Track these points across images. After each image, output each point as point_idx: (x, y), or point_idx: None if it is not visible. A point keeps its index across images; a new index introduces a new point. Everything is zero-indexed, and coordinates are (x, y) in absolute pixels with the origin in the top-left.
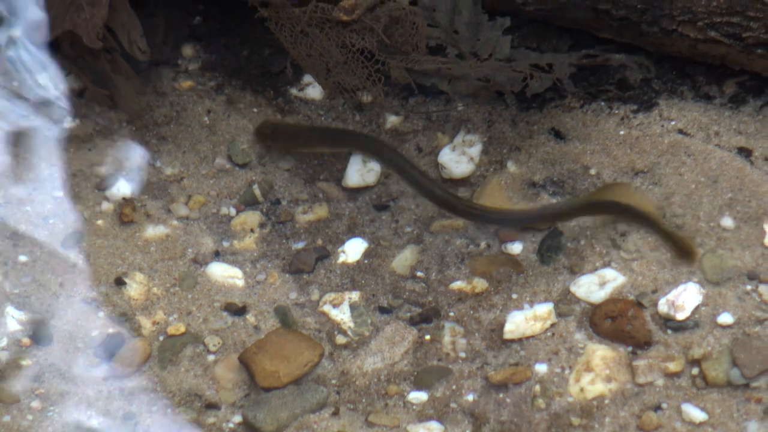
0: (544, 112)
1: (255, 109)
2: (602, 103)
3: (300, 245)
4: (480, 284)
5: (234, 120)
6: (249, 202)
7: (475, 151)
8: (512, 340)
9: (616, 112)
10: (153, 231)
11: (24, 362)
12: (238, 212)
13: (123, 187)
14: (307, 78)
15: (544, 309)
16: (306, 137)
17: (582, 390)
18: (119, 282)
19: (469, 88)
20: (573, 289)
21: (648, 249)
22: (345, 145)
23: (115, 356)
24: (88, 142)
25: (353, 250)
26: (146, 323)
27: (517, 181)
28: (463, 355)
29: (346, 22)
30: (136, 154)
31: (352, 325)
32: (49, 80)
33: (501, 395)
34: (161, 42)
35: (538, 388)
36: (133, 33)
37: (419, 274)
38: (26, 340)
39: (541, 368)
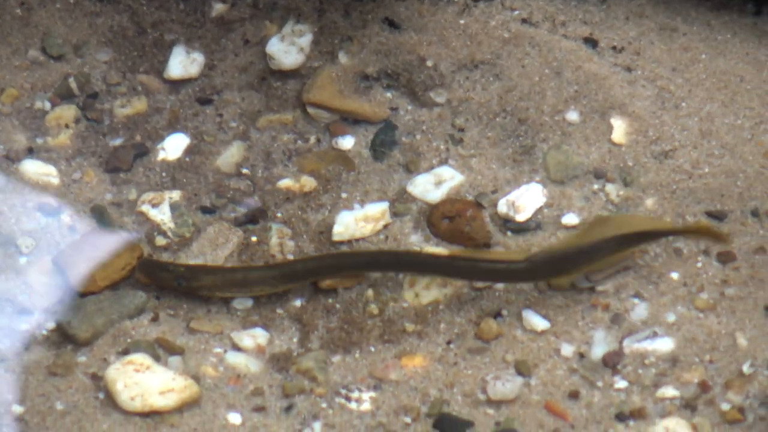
0: (378, 1)
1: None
2: None
3: (117, 141)
4: (308, 183)
5: (49, 11)
6: (64, 96)
7: (305, 41)
8: (341, 242)
9: (456, 0)
10: None
11: None
12: (53, 106)
13: None
14: None
15: (377, 209)
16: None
17: (417, 295)
18: None
19: None
20: (409, 188)
21: (488, 145)
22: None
23: None
24: None
25: (174, 146)
26: None
27: (349, 73)
28: (291, 257)
29: None
30: None
31: (172, 225)
32: None
33: (330, 300)
34: None
35: (370, 292)
36: None
37: (245, 171)
38: None
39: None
